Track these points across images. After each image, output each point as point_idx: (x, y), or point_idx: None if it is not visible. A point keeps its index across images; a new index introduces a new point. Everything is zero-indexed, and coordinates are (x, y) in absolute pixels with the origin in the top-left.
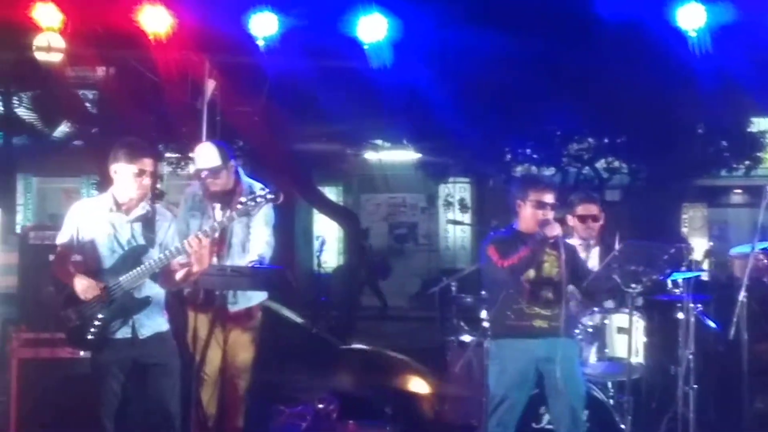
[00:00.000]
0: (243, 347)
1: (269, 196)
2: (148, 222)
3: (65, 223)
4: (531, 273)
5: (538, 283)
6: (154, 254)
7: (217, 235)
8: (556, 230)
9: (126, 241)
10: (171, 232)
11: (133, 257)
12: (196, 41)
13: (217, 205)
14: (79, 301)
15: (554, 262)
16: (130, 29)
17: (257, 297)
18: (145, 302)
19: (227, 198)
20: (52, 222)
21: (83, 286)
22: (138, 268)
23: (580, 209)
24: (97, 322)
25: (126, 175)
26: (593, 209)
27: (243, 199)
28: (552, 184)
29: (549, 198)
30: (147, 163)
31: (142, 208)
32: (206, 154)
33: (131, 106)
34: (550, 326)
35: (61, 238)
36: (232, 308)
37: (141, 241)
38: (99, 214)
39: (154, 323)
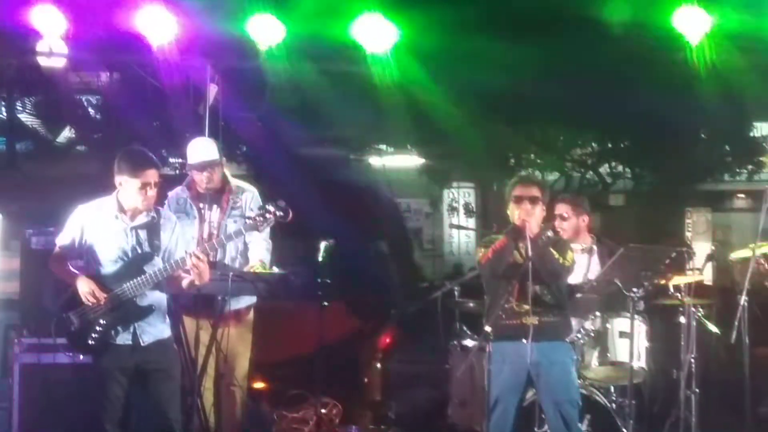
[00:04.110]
0: (238, 353)
1: (279, 214)
2: (153, 228)
3: (68, 224)
4: (517, 270)
5: (525, 281)
6: (158, 261)
7: (213, 253)
8: (524, 220)
9: (130, 248)
10: (175, 237)
11: (136, 264)
12: (198, 46)
13: (204, 206)
14: (80, 305)
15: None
16: (133, 34)
17: (245, 299)
18: (148, 310)
19: (216, 197)
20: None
21: (86, 289)
22: (142, 277)
23: (555, 209)
24: (99, 327)
25: (130, 188)
26: (563, 209)
27: (252, 214)
28: (529, 179)
29: (532, 191)
30: (151, 175)
31: (147, 215)
32: (204, 148)
33: (134, 112)
34: (541, 323)
35: (63, 238)
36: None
37: (145, 248)
38: (104, 219)
39: (155, 330)
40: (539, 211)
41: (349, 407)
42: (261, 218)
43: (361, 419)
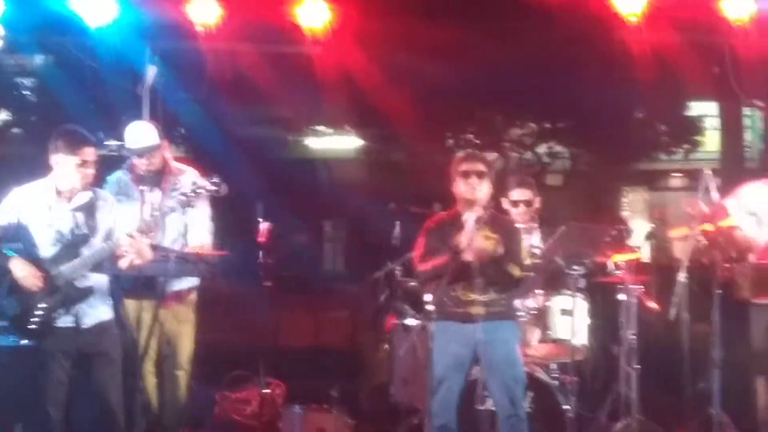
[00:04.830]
0: (181, 335)
1: (211, 188)
2: (91, 210)
3: (2, 207)
4: (467, 259)
5: (473, 270)
6: (97, 242)
7: (152, 231)
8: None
9: (68, 230)
10: (113, 218)
11: (75, 246)
12: (137, 27)
13: (145, 188)
14: (20, 290)
15: (493, 247)
16: (70, 16)
17: (187, 280)
18: (88, 291)
19: (157, 180)
20: None
21: (23, 273)
22: (80, 258)
23: (514, 194)
24: (38, 311)
25: (68, 166)
26: (527, 194)
27: (185, 190)
28: (475, 154)
29: (478, 166)
30: (89, 153)
31: (85, 196)
32: (144, 133)
33: (71, 94)
34: (488, 312)
35: None
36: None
37: (83, 230)
38: (40, 202)
39: (97, 312)
40: (486, 187)
41: (354, 391)
42: (193, 193)
43: (369, 402)
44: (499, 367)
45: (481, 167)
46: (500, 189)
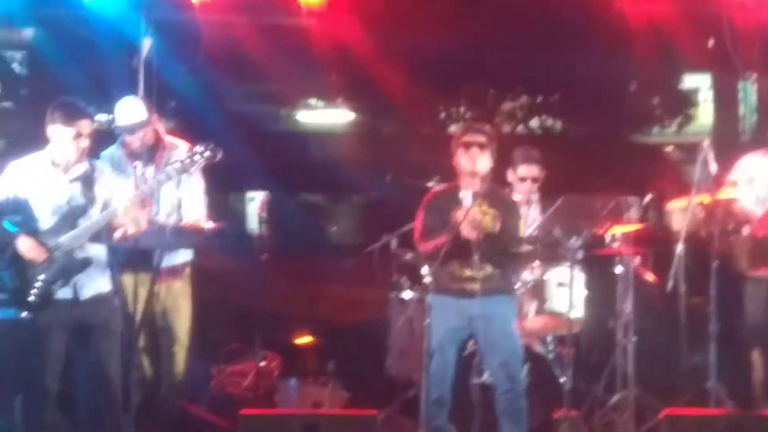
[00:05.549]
0: (178, 309)
1: (208, 154)
2: (88, 180)
3: (1, 181)
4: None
5: (470, 246)
6: (95, 213)
7: (147, 203)
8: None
9: (66, 201)
10: (110, 189)
11: (72, 217)
12: None
13: (139, 164)
14: (19, 263)
15: (491, 222)
16: None
17: (182, 253)
18: (86, 262)
19: (150, 155)
20: None
21: (27, 245)
22: (77, 229)
23: (522, 170)
24: (38, 284)
25: (64, 138)
26: (534, 170)
27: (181, 157)
28: (476, 127)
29: (479, 138)
30: (84, 125)
31: (82, 168)
32: (133, 109)
33: (63, 67)
34: (484, 288)
35: None
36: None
37: (81, 200)
38: (38, 174)
39: (95, 284)
40: (487, 159)
41: (351, 364)
42: (189, 160)
43: (365, 375)
44: (496, 342)
45: (482, 139)
46: (505, 162)
